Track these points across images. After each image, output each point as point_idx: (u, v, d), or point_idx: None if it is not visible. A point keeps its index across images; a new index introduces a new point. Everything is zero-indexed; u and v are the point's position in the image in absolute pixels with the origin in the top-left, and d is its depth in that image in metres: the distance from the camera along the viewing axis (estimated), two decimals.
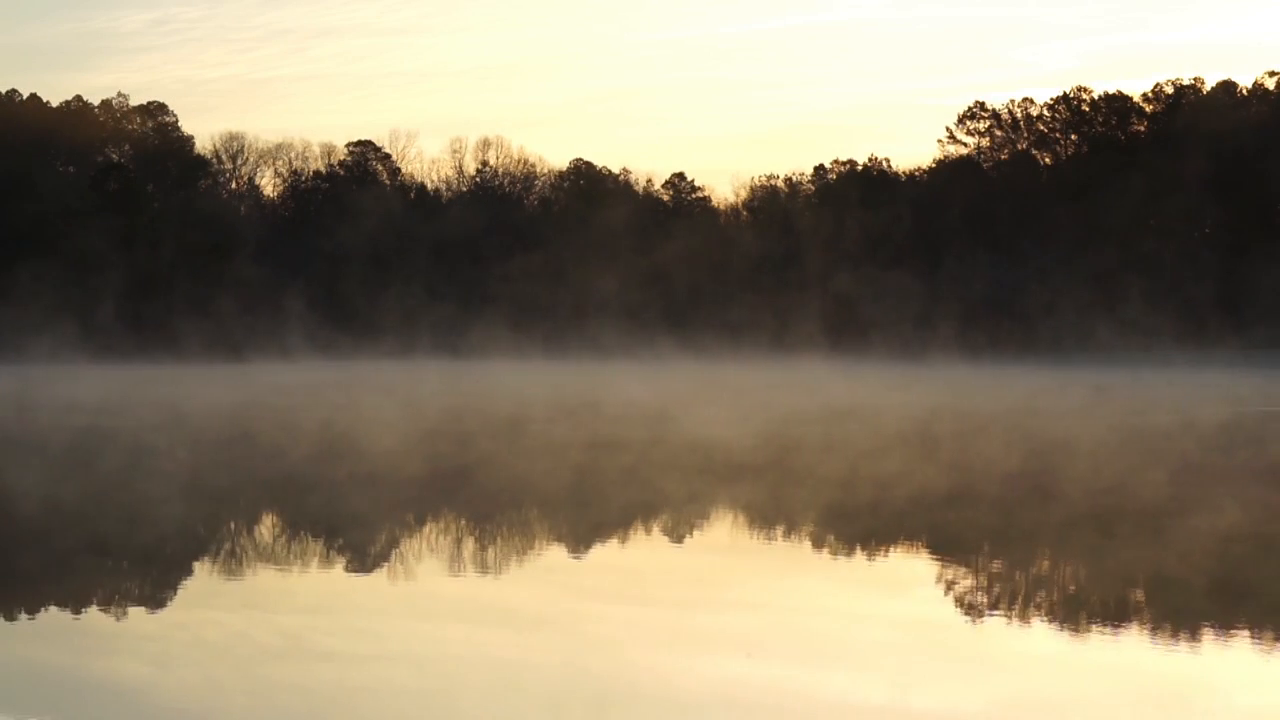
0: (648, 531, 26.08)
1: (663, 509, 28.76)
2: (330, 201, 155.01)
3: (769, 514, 28.22)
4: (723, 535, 25.79)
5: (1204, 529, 25.50)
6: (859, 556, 23.30)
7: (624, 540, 25.09)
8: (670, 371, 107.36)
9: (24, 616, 18.03)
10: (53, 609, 18.50)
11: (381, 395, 76.61)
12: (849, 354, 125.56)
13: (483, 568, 21.59)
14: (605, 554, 23.47)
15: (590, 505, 29.45)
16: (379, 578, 20.92)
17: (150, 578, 21.21)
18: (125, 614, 18.14)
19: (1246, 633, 17.03)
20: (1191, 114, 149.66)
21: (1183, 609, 18.58)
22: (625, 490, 31.78)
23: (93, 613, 18.24)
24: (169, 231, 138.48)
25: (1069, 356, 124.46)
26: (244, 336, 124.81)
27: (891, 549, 24.13)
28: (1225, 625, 17.41)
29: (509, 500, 30.48)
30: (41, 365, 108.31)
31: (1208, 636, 16.78)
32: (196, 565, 22.12)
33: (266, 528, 26.67)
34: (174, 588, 20.47)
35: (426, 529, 26.39)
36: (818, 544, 24.73)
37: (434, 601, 19.11)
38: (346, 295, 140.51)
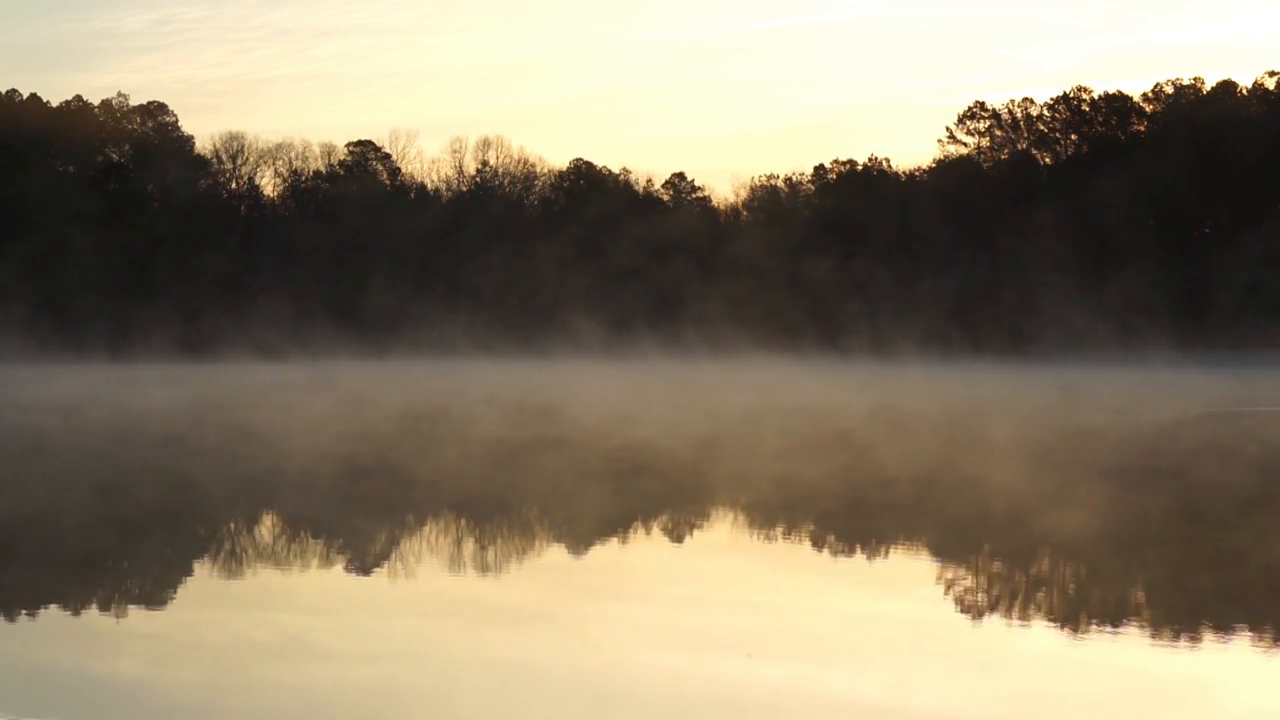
0: (489, 531, 26.22)
1: (522, 508, 28.93)
2: (327, 202, 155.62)
3: (620, 512, 28.34)
4: (562, 536, 25.89)
5: (1046, 531, 25.55)
6: (660, 556, 23.40)
7: (463, 539, 25.23)
8: (646, 372, 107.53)
9: (23, 616, 18.16)
10: (53, 609, 18.59)
11: (338, 395, 76.93)
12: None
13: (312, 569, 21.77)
14: (440, 554, 23.64)
15: (464, 507, 29.64)
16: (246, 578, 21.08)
17: (150, 577, 21.37)
18: (125, 614, 18.27)
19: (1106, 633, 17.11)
20: (1191, 114, 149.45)
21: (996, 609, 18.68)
22: (500, 490, 31.96)
23: (93, 613, 18.39)
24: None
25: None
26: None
27: (715, 548, 24.23)
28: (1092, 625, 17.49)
29: (374, 502, 30.68)
30: (12, 364, 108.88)
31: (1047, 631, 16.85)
32: (196, 565, 22.29)
33: (135, 527, 26.84)
34: (173, 587, 20.65)
35: (278, 530, 26.56)
36: (635, 543, 24.82)
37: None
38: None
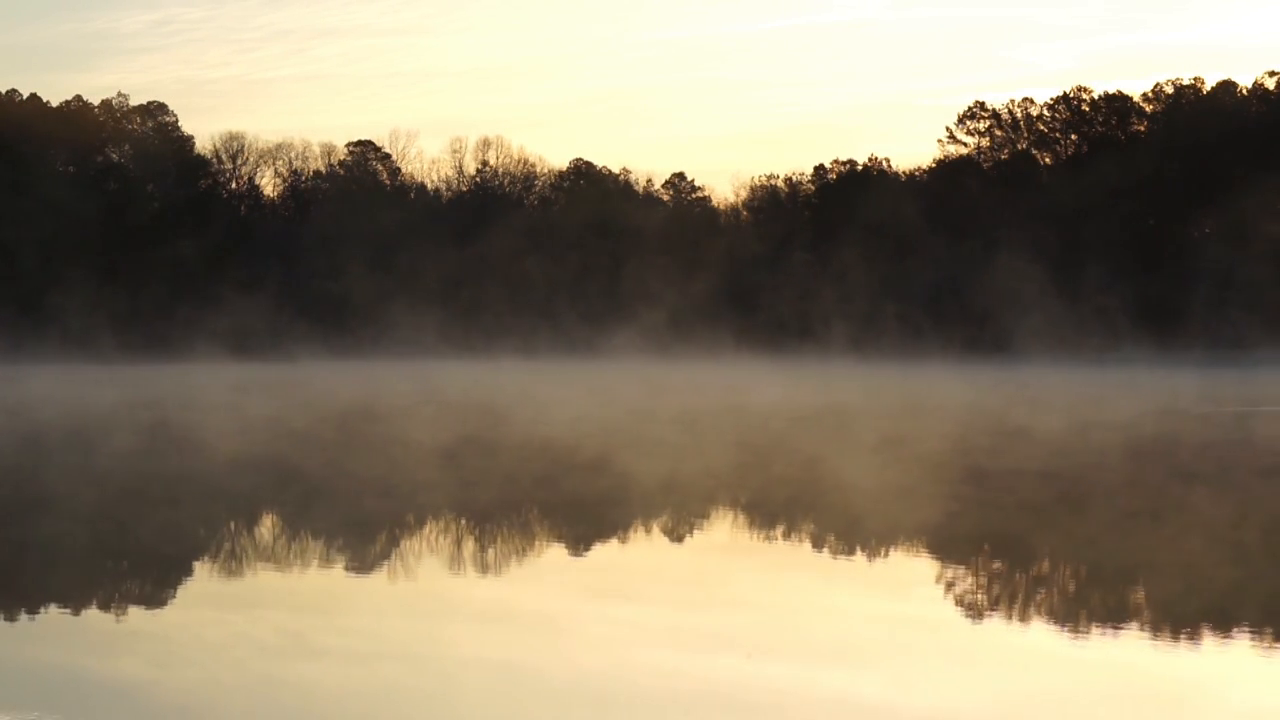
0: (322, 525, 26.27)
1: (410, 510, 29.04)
2: (324, 202, 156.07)
3: (471, 504, 28.40)
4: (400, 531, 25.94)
5: (871, 532, 25.56)
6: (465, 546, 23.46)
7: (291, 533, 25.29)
8: (620, 371, 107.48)
9: (24, 616, 18.22)
10: (53, 609, 18.70)
11: (298, 396, 77.36)
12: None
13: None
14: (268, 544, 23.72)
15: (313, 503, 29.75)
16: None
17: (150, 577, 21.52)
18: (125, 614, 18.40)
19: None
20: (1191, 114, 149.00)
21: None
22: (399, 493, 32.09)
23: (93, 613, 18.49)
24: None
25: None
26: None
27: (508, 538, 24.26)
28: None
29: (248, 499, 30.82)
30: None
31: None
32: (195, 565, 22.51)
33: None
34: (174, 587, 20.83)
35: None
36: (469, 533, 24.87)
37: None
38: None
